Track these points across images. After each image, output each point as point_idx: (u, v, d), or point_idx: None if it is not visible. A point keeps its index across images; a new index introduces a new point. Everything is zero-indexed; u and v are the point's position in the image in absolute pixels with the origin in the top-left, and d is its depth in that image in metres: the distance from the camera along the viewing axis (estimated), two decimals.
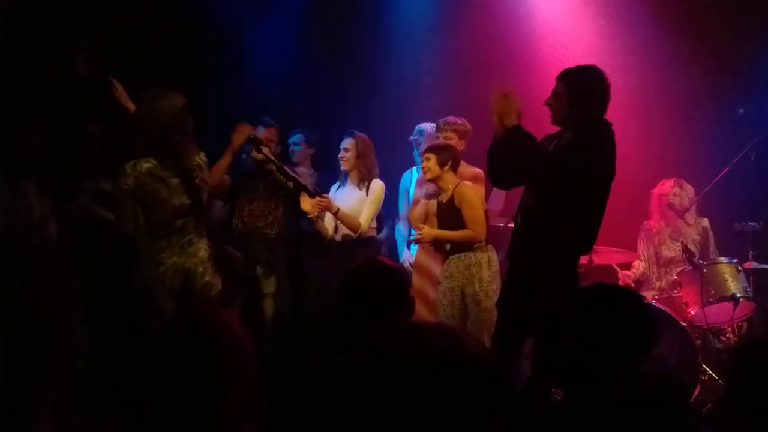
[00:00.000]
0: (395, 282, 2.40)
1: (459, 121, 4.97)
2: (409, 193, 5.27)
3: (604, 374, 2.03)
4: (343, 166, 5.10)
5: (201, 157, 3.77)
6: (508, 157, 3.58)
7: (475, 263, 4.59)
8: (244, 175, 4.79)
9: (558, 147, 3.68)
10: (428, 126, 5.18)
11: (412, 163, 5.36)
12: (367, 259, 2.57)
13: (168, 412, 1.56)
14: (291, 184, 3.98)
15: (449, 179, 4.65)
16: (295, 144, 5.41)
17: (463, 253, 4.61)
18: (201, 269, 3.67)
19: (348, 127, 5.27)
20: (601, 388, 2.02)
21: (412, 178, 5.26)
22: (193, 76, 5.43)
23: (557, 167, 3.55)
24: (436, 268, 4.86)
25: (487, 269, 4.58)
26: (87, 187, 4.35)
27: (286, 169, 4.30)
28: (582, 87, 3.58)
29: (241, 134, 4.24)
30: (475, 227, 4.56)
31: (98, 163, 4.44)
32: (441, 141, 4.85)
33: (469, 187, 4.64)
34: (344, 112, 5.91)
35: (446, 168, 4.62)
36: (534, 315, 3.41)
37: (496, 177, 3.81)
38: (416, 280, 4.90)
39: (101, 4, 5.13)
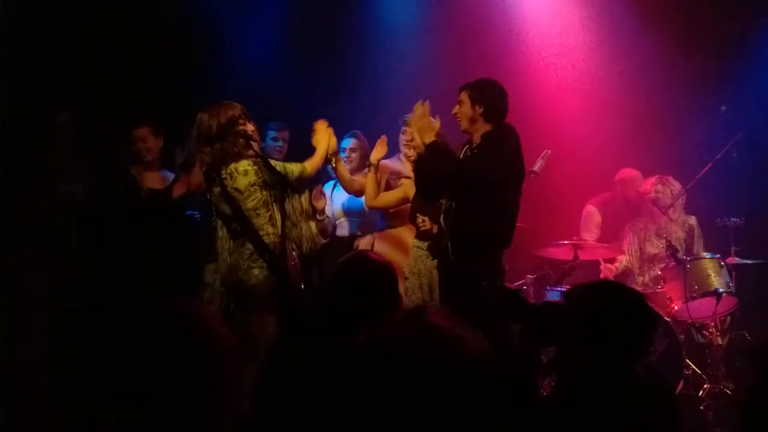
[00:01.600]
0: (384, 276, 2.41)
1: None
2: None
3: (603, 369, 2.07)
4: (349, 167, 5.07)
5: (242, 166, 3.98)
6: (431, 170, 4.02)
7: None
8: None
9: (470, 151, 4.08)
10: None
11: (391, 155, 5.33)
12: (354, 254, 2.57)
13: (147, 409, 1.55)
14: (275, 180, 3.98)
15: None
16: (284, 140, 5.31)
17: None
18: (244, 267, 4.03)
19: (331, 123, 5.23)
20: (600, 382, 2.06)
21: None
22: (176, 75, 5.42)
23: (471, 172, 3.93)
24: (400, 259, 4.76)
25: None
26: (58, 183, 4.30)
27: (272, 164, 4.29)
28: (481, 94, 4.05)
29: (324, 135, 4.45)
30: None
31: (69, 157, 4.39)
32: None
33: None
34: (324, 107, 5.85)
35: None
36: (468, 312, 3.55)
37: (424, 190, 4.22)
38: None
39: (85, 4, 5.12)
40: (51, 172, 4.32)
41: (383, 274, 2.41)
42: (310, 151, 5.00)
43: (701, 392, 4.94)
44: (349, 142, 5.13)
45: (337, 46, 6.06)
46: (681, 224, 5.59)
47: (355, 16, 6.19)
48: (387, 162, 5.02)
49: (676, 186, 5.51)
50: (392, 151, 5.30)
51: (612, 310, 2.09)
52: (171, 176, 4.76)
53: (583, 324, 2.08)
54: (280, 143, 5.31)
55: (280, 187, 3.95)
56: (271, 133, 5.31)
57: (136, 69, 5.33)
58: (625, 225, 5.73)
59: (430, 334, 1.31)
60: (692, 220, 5.61)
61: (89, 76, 5.08)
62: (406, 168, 4.80)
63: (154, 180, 4.79)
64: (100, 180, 4.55)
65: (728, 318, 5.29)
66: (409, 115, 4.87)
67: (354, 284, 2.37)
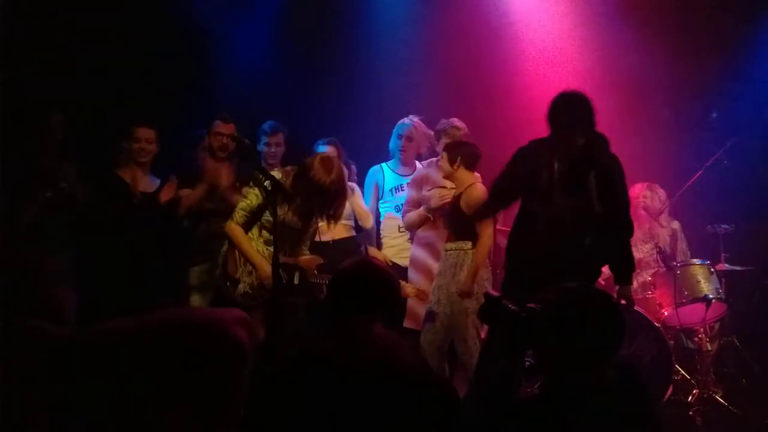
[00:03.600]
0: (385, 282, 2.40)
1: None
2: (380, 188, 5.24)
3: (580, 367, 2.14)
4: None
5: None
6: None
7: (457, 264, 4.46)
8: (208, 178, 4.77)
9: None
10: (407, 120, 5.16)
11: (381, 159, 5.32)
12: (356, 259, 2.56)
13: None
14: (268, 183, 3.97)
15: (461, 177, 4.53)
16: (277, 145, 5.04)
17: (454, 251, 4.51)
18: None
19: (315, 124, 5.21)
20: (578, 379, 2.15)
21: (382, 172, 5.24)
22: (168, 77, 5.41)
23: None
24: (434, 264, 4.74)
25: (466, 272, 4.39)
26: (46, 186, 4.28)
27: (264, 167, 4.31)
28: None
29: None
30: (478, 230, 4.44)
31: (59, 159, 4.36)
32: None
33: (477, 189, 4.45)
34: (314, 111, 5.86)
35: (456, 165, 4.51)
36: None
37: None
38: (418, 278, 4.80)
39: (78, 7, 5.10)
40: (40, 175, 4.29)
41: (384, 280, 2.40)
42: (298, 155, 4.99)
43: (690, 398, 4.97)
44: (330, 151, 4.89)
45: (329, 49, 6.05)
46: (668, 229, 5.65)
47: (346, 21, 6.19)
48: (429, 173, 4.93)
49: (662, 192, 5.62)
50: (383, 157, 5.31)
51: (580, 314, 2.16)
52: (157, 181, 4.73)
53: (553, 327, 2.14)
54: (273, 149, 5.05)
55: (273, 189, 3.94)
56: (263, 138, 5.05)
57: (127, 74, 5.30)
58: None
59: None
60: (675, 224, 5.70)
61: (80, 80, 5.06)
62: (440, 178, 4.76)
63: (147, 183, 4.75)
64: (92, 184, 4.52)
65: (717, 324, 5.32)
66: (445, 124, 4.88)
67: (354, 289, 2.36)
